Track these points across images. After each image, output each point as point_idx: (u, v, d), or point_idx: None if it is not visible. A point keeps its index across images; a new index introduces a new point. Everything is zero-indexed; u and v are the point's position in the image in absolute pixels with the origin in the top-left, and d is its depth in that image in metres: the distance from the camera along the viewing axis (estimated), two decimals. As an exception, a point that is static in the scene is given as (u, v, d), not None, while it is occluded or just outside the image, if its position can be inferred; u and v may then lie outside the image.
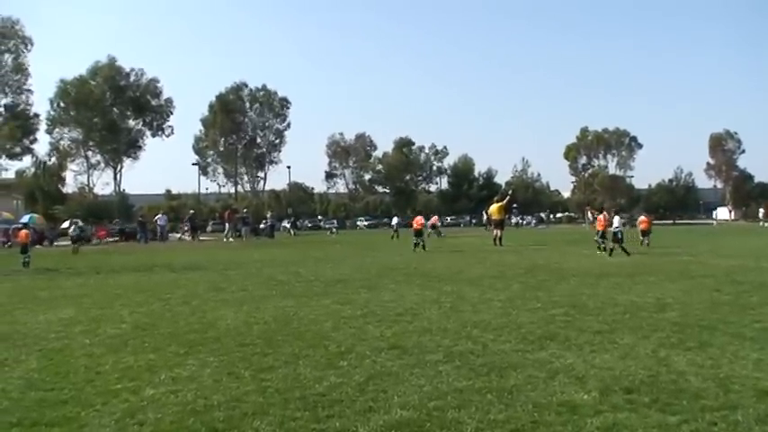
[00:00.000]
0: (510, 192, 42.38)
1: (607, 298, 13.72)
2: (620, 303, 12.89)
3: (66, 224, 60.59)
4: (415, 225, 36.29)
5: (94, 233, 56.54)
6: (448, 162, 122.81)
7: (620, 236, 26.42)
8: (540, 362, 8.09)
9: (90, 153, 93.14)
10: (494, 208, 38.37)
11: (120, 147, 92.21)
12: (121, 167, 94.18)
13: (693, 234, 51.60)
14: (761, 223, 78.67)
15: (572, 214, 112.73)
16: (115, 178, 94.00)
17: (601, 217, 30.01)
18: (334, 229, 71.66)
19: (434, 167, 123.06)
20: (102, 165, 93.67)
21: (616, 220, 27.47)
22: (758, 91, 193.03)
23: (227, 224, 55.01)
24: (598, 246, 27.75)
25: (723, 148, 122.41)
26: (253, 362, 8.42)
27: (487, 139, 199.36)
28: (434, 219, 54.32)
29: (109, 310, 13.45)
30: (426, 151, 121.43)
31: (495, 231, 36.48)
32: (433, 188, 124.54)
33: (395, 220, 53.83)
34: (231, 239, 51.93)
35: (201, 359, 8.65)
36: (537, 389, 6.92)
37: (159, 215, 59.21)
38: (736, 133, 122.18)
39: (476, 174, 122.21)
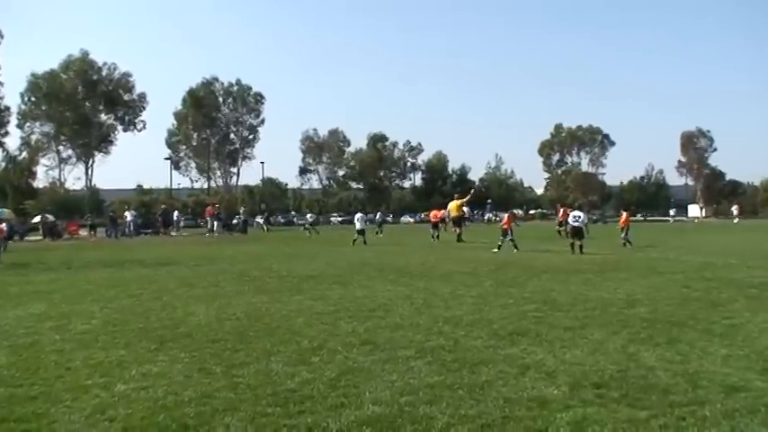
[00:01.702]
0: (472, 189, 42.41)
1: (578, 294, 13.82)
2: (590, 299, 12.99)
3: (36, 218, 60.06)
4: (432, 218, 39.22)
5: (66, 228, 56.09)
6: (422, 158, 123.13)
7: (567, 230, 26.76)
8: (511, 357, 8.14)
9: (61, 147, 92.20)
10: (453, 205, 38.24)
11: (92, 141, 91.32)
12: (93, 162, 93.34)
13: (664, 231, 52.02)
14: (734, 220, 79.55)
15: (545, 211, 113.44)
16: (87, 173, 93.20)
17: (506, 216, 30.25)
18: (307, 225, 71.41)
19: (408, 164, 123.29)
20: (74, 159, 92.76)
21: (570, 218, 27.63)
22: (731, 89, 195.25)
23: (209, 219, 55.17)
24: (499, 245, 28.05)
25: (695, 145, 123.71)
26: (224, 358, 8.39)
27: (462, 135, 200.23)
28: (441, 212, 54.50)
29: (79, 306, 13.33)
30: (401, 147, 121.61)
31: (454, 228, 36.45)
32: (406, 184, 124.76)
33: (378, 216, 54.17)
34: (207, 234, 52.16)
35: (172, 355, 8.60)
36: (508, 384, 6.96)
37: (128, 211, 58.91)
38: (708, 131, 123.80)
39: (449, 170, 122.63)
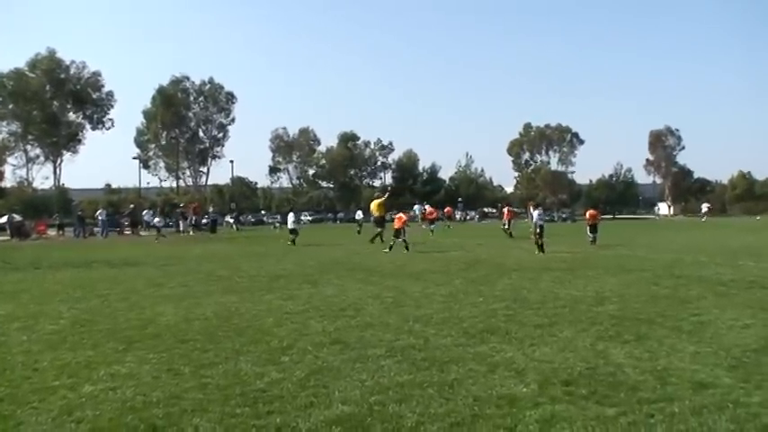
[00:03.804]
0: (390, 188, 41.95)
1: (548, 292, 13.90)
2: (560, 297, 13.07)
3: (4, 218, 59.36)
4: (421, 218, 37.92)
5: (34, 228, 55.46)
6: (393, 157, 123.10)
7: (538, 230, 26.04)
8: (481, 355, 8.16)
9: (29, 146, 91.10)
10: (374, 204, 37.53)
11: (60, 140, 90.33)
12: (61, 161, 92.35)
13: (633, 228, 52.44)
14: (702, 218, 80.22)
15: (515, 210, 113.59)
16: (55, 172, 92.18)
17: (401, 215, 30.04)
18: (277, 224, 71.34)
19: (379, 162, 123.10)
20: (42, 158, 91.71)
21: (536, 215, 27.14)
22: (699, 87, 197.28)
23: (193, 218, 54.88)
24: (390, 245, 27.99)
25: (663, 144, 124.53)
26: (193, 358, 8.33)
27: (432, 134, 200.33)
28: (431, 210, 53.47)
29: (47, 306, 13.19)
30: (372, 146, 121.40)
31: (376, 229, 35.89)
32: (377, 183, 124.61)
33: (359, 214, 53.97)
34: (187, 233, 51.97)
35: (141, 356, 8.53)
36: (477, 382, 6.98)
37: (99, 210, 58.37)
38: (677, 130, 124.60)
39: (420, 169, 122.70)
